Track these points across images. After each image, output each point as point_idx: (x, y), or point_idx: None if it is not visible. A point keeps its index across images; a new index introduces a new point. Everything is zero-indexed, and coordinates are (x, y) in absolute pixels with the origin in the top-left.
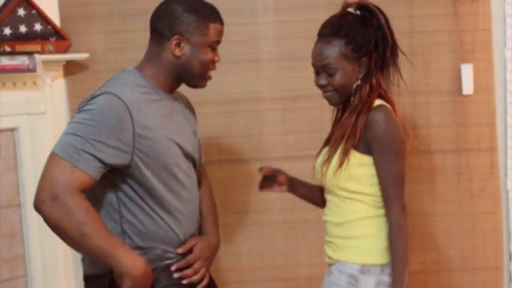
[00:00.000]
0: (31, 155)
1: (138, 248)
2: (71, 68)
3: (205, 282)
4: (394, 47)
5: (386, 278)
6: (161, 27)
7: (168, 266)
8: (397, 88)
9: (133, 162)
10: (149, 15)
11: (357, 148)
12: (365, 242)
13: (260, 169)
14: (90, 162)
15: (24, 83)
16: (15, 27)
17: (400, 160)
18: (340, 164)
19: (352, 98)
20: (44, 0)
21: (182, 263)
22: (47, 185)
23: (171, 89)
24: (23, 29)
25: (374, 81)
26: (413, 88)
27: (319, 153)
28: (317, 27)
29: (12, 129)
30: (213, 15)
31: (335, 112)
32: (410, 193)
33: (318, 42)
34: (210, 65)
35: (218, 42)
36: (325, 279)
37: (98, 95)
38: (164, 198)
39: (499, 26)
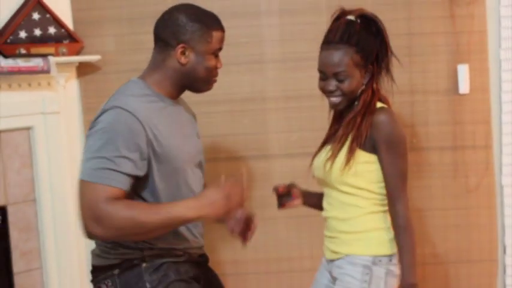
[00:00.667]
0: (46, 153)
1: (146, 242)
2: (83, 69)
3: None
4: (390, 52)
5: (393, 268)
6: (166, 35)
7: (176, 262)
8: (396, 88)
9: (148, 170)
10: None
11: (363, 147)
12: (373, 234)
13: (275, 189)
14: (118, 177)
15: (39, 84)
16: (30, 31)
17: (404, 157)
18: (347, 161)
19: (356, 102)
20: (58, 5)
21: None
22: (87, 212)
23: (175, 95)
24: (37, 32)
25: (375, 85)
26: (411, 88)
27: (317, 153)
28: (319, 29)
29: (28, 128)
30: (215, 24)
31: (331, 113)
32: (409, 188)
33: (327, 49)
34: (214, 71)
35: (220, 48)
36: (328, 272)
37: (106, 110)
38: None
39: (494, 28)
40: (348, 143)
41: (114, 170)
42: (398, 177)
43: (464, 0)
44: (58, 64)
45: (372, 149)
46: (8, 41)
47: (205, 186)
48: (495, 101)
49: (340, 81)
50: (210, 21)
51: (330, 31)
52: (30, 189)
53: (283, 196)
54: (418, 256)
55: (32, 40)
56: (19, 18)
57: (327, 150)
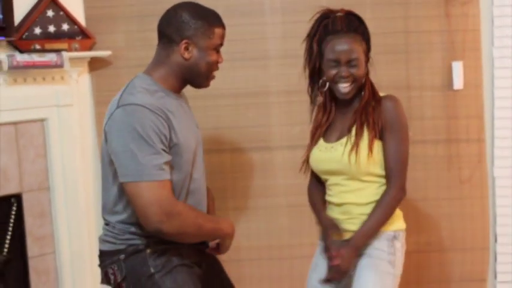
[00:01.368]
0: (59, 143)
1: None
2: (95, 64)
3: None
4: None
5: (404, 241)
6: (170, 32)
7: (179, 247)
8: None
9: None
10: None
11: (377, 136)
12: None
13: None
14: (165, 170)
15: (53, 78)
16: (44, 27)
17: (406, 143)
18: (371, 151)
19: (362, 92)
20: (71, 3)
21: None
22: (156, 209)
23: (178, 89)
24: (51, 28)
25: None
26: (408, 83)
27: (312, 146)
28: None
29: (42, 120)
30: (217, 21)
31: (315, 109)
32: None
33: (338, 37)
34: (215, 65)
35: (221, 44)
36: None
37: (122, 107)
38: (181, 194)
39: (488, 27)
40: (366, 134)
41: (160, 165)
42: (398, 161)
43: (459, 0)
44: (71, 59)
45: (381, 135)
46: (24, 37)
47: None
48: (488, 96)
49: (353, 67)
50: (211, 19)
51: (333, 22)
52: (44, 177)
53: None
54: (414, 244)
55: (46, 36)
56: (34, 15)
57: (343, 143)
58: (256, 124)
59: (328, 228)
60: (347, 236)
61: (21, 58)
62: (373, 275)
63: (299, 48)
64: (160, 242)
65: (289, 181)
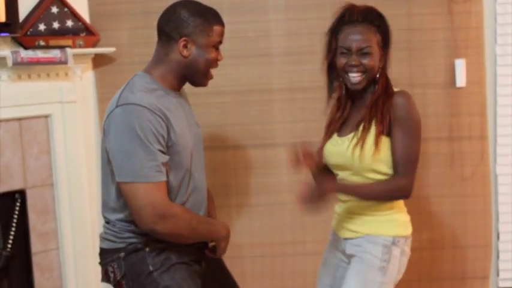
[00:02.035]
0: (63, 140)
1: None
2: (99, 61)
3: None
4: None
5: (407, 248)
6: (169, 30)
7: (178, 246)
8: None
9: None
10: None
11: (384, 132)
12: (394, 216)
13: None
14: (161, 171)
15: (57, 74)
16: (49, 24)
17: (417, 141)
18: (377, 147)
19: (376, 86)
20: None
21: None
22: (150, 210)
23: (177, 88)
24: (56, 25)
25: (387, 72)
26: (411, 81)
27: (326, 140)
28: (323, 24)
29: (46, 116)
30: (216, 19)
31: (336, 102)
32: None
33: (353, 26)
34: (214, 63)
35: (220, 42)
36: (339, 251)
37: (122, 107)
38: (181, 190)
39: (490, 24)
40: (373, 129)
41: (156, 166)
42: (406, 158)
43: None
44: (75, 56)
45: (389, 132)
46: (28, 33)
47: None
48: (490, 94)
49: (364, 56)
50: (210, 16)
51: (349, 13)
52: (48, 174)
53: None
54: (416, 242)
55: (51, 32)
56: (39, 11)
57: (350, 137)
58: (260, 121)
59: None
60: (344, 234)
61: (25, 54)
62: (356, 284)
63: (302, 45)
64: (159, 241)
65: (292, 178)
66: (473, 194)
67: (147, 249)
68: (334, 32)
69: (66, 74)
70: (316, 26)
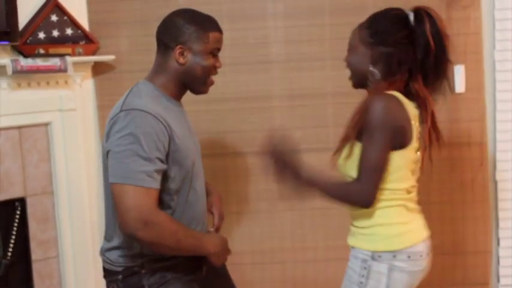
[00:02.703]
0: (63, 148)
1: (144, 252)
2: (98, 69)
3: None
4: (440, 55)
5: (399, 263)
6: (166, 38)
7: (174, 262)
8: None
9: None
10: None
11: (353, 137)
12: (376, 229)
13: None
14: (157, 178)
15: (57, 82)
16: (48, 32)
17: (377, 146)
18: (348, 153)
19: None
20: (75, 7)
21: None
22: (135, 214)
23: (179, 96)
24: (55, 33)
25: (398, 79)
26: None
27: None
28: (322, 31)
29: (46, 124)
30: (212, 26)
31: None
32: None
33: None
34: (212, 70)
35: (218, 49)
36: None
37: (126, 111)
38: (177, 202)
39: (489, 30)
40: (351, 135)
41: (150, 172)
42: (365, 165)
43: (460, 3)
44: (75, 64)
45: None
46: (28, 41)
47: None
48: (490, 99)
49: (348, 52)
50: (206, 24)
51: None
52: (48, 182)
53: None
54: None
55: (50, 41)
56: (38, 20)
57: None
58: (259, 128)
59: None
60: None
61: (25, 63)
62: None
63: (302, 52)
64: (154, 261)
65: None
66: (473, 200)
67: (143, 271)
68: None
69: (66, 82)
70: (316, 33)
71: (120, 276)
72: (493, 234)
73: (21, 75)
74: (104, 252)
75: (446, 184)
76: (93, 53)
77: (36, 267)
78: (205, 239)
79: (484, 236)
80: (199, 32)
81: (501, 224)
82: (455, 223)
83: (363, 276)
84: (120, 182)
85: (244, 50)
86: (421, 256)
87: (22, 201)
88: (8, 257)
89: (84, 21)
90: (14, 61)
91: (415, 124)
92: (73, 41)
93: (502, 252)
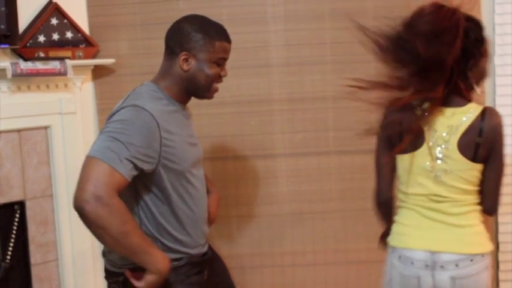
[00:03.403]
0: (62, 151)
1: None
2: (98, 72)
3: None
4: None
5: (393, 260)
6: (172, 44)
7: (177, 267)
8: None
9: (157, 169)
10: (169, 24)
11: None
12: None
13: None
14: (128, 166)
15: (57, 86)
16: (48, 35)
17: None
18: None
19: None
20: (75, 11)
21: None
22: (90, 186)
23: (183, 100)
24: (55, 36)
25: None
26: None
27: None
28: (322, 35)
29: (46, 127)
30: (219, 35)
31: None
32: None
33: None
34: (216, 78)
35: (224, 59)
36: None
37: (125, 107)
38: (181, 201)
39: (489, 34)
40: None
41: (126, 158)
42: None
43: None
44: (74, 67)
45: None
46: (28, 44)
47: (207, 182)
48: (489, 104)
49: None
50: (213, 32)
51: None
52: (48, 185)
53: None
54: None
55: (50, 44)
56: (38, 23)
57: None
58: (259, 132)
59: None
60: None
61: (25, 66)
62: None
63: (302, 56)
64: None
65: (291, 188)
66: None
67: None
68: None
69: (66, 86)
70: (316, 37)
71: (121, 278)
72: (493, 238)
73: (21, 78)
74: (105, 253)
75: None
76: (93, 57)
77: (35, 271)
78: (159, 251)
79: None
80: (206, 40)
81: (500, 229)
82: None
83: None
84: (92, 154)
85: (245, 54)
86: (412, 263)
87: (21, 204)
88: (7, 261)
89: (84, 25)
90: (14, 64)
91: None
92: (73, 44)
93: (501, 257)
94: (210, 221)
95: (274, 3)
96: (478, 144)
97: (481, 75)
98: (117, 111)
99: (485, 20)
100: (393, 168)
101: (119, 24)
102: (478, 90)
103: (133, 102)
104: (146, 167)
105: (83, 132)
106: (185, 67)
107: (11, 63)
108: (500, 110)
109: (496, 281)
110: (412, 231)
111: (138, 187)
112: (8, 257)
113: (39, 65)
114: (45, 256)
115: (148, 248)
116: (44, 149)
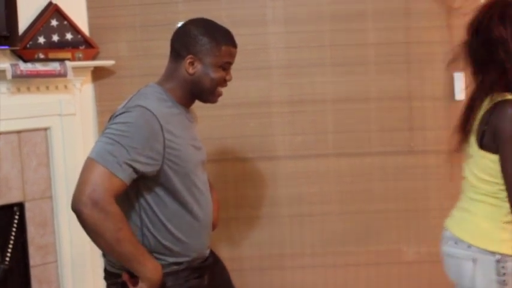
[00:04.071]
0: (62, 152)
1: (153, 252)
2: (98, 74)
3: None
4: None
5: None
6: (178, 46)
7: (177, 271)
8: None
9: (162, 171)
10: (168, 26)
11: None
12: None
13: None
14: (127, 171)
15: (56, 87)
16: (48, 37)
17: None
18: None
19: None
20: (75, 12)
21: None
22: (89, 190)
23: (187, 103)
24: (55, 38)
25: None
26: (409, 94)
27: None
28: (322, 37)
29: (45, 129)
30: (225, 39)
31: None
32: (407, 190)
33: None
34: (221, 82)
35: (229, 63)
36: None
37: (129, 108)
38: (188, 203)
39: None
40: None
41: (126, 163)
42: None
43: (460, 11)
44: (74, 68)
45: None
46: (28, 46)
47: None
48: None
49: None
50: (220, 36)
51: None
52: (47, 186)
53: None
54: (415, 254)
55: (50, 45)
56: (38, 24)
57: None
58: (259, 134)
59: None
60: None
61: (24, 67)
62: None
63: (301, 58)
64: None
65: (291, 190)
66: None
67: None
68: None
69: (66, 87)
70: (315, 39)
71: (120, 280)
72: None
73: (20, 79)
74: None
75: (446, 191)
76: (93, 58)
77: (34, 272)
78: (151, 260)
79: None
80: (212, 44)
81: None
82: None
83: None
84: (92, 157)
85: (244, 56)
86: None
87: (21, 205)
88: (6, 262)
89: (84, 26)
90: (13, 65)
91: None
92: (73, 45)
93: None
94: (213, 226)
95: (274, 5)
96: (484, 131)
97: None
98: (121, 112)
99: None
100: None
101: (118, 25)
102: None
103: (138, 102)
104: (148, 169)
105: (83, 134)
106: (191, 70)
107: (11, 65)
108: None
109: None
110: None
111: (141, 188)
112: (7, 259)
113: (39, 67)
114: (45, 258)
115: (141, 257)
116: (43, 151)
